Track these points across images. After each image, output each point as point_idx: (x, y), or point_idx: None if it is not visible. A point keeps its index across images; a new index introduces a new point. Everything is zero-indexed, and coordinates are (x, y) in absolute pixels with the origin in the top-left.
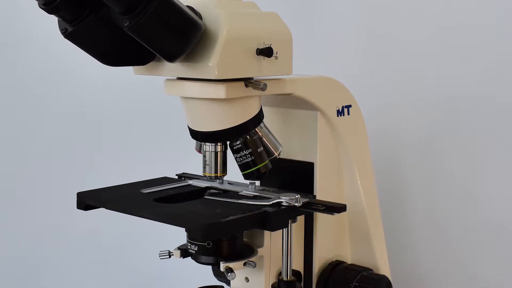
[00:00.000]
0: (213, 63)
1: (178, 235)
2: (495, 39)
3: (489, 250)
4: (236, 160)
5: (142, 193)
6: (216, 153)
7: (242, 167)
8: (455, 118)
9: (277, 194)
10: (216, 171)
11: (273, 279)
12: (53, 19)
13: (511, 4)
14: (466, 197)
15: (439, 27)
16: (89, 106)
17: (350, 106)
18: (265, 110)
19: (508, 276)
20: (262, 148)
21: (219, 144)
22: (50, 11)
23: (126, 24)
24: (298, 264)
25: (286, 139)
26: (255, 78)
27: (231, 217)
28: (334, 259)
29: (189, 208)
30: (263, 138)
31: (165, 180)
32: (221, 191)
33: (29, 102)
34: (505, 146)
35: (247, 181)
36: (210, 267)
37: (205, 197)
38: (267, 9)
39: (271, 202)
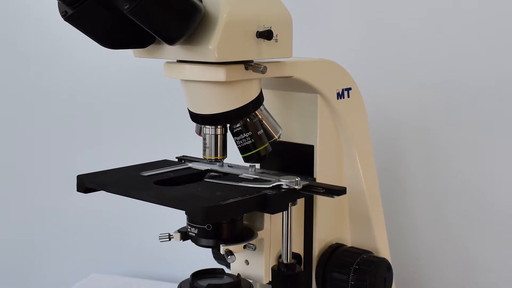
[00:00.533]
0: (213, 46)
1: (178, 218)
2: (496, 25)
3: (488, 233)
4: (236, 143)
5: (142, 175)
6: (216, 136)
7: (242, 149)
8: (456, 102)
9: (277, 177)
10: (216, 154)
11: (273, 262)
12: (53, 2)
13: None
14: (466, 180)
15: (439, 11)
16: (89, 88)
17: (350, 89)
18: (265, 93)
19: (507, 258)
20: (262, 131)
21: (219, 127)
22: None
23: (126, 6)
24: (298, 247)
25: (286, 122)
26: (255, 61)
27: (231, 200)
28: (334, 242)
29: (189, 191)
30: (263, 121)
31: (165, 162)
32: (221, 174)
33: (29, 85)
34: (505, 130)
35: (247, 164)
36: (210, 250)
37: (205, 180)
38: None
39: (271, 185)
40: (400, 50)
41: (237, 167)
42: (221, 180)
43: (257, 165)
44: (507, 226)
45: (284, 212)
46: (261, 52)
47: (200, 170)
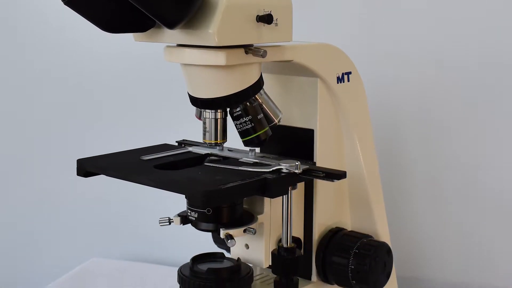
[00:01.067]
0: (213, 30)
1: (178, 202)
2: (497, 6)
3: (488, 216)
4: (236, 127)
5: (142, 159)
6: (216, 120)
7: (242, 134)
8: (455, 85)
9: (277, 161)
10: (216, 138)
11: (273, 246)
12: None
13: None
14: (466, 164)
15: None
16: (89, 73)
17: (350, 73)
18: (265, 77)
19: (508, 241)
20: (262, 115)
21: (219, 111)
22: None
23: None
24: (298, 231)
25: (286, 106)
26: (255, 45)
27: (231, 184)
28: (334, 226)
29: (189, 175)
30: (263, 105)
31: (165, 146)
32: (221, 158)
33: (29, 69)
34: (505, 111)
35: (247, 148)
36: (210, 234)
37: (205, 164)
38: None
39: (271, 169)
40: (400, 34)
41: (237, 151)
42: (221, 164)
43: (257, 149)
44: (507, 208)
45: (284, 196)
46: (261, 36)
47: (200, 154)
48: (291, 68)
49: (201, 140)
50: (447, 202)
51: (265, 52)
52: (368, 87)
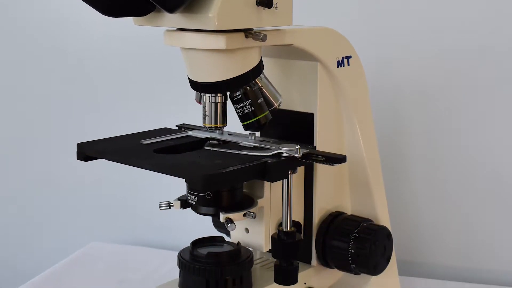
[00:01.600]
0: (213, 14)
1: (178, 186)
2: None
3: (488, 199)
4: (236, 111)
5: (142, 144)
6: (216, 104)
7: (242, 118)
8: (456, 68)
9: (277, 145)
10: (216, 122)
11: (273, 230)
12: None
13: None
14: (466, 148)
15: None
16: (89, 57)
17: (350, 57)
18: (265, 61)
19: (507, 224)
20: (262, 99)
21: (219, 95)
22: None
23: None
24: (298, 215)
25: (286, 90)
26: (255, 29)
27: (231, 168)
28: (334, 210)
29: (189, 159)
30: (263, 89)
31: (165, 131)
32: (221, 142)
33: (29, 53)
34: (504, 94)
35: (247, 132)
36: (210, 218)
37: (205, 148)
38: None
39: (271, 153)
40: (400, 18)
41: (237, 135)
42: (221, 148)
43: (257, 133)
44: (507, 191)
45: (284, 180)
46: (261, 20)
47: (200, 138)
48: (291, 52)
49: (201, 124)
50: (446, 186)
51: (265, 36)
52: (368, 71)
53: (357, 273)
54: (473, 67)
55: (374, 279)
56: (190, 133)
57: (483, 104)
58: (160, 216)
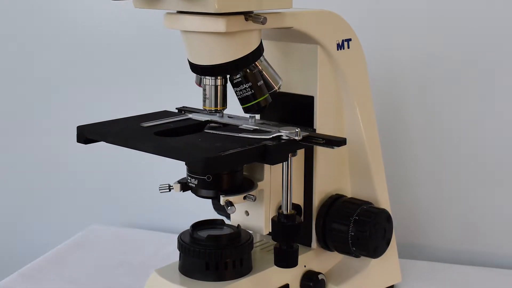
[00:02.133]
0: None
1: (178, 169)
2: None
3: (488, 182)
4: (236, 94)
5: (142, 126)
6: (216, 86)
7: (242, 100)
8: (456, 50)
9: (277, 128)
10: (216, 105)
11: (273, 213)
12: None
13: None
14: (466, 131)
15: None
16: (89, 39)
17: (350, 39)
18: (265, 44)
19: (507, 207)
20: (262, 81)
21: (219, 77)
22: None
23: None
24: (298, 197)
25: (286, 73)
26: (255, 11)
27: (231, 151)
28: (334, 193)
29: (189, 141)
30: (263, 72)
31: (165, 113)
32: (221, 125)
33: (29, 35)
34: (505, 79)
35: (247, 115)
36: (210, 201)
37: (205, 130)
38: None
39: (271, 136)
40: (400, 1)
41: (237, 118)
42: (221, 131)
43: (257, 116)
44: (507, 175)
45: (284, 163)
46: (261, 2)
47: (200, 121)
48: (291, 35)
49: (201, 107)
50: (447, 169)
51: (265, 19)
52: (368, 54)
53: (357, 256)
54: (474, 49)
55: (374, 262)
56: (190, 116)
57: (484, 86)
58: (160, 199)
